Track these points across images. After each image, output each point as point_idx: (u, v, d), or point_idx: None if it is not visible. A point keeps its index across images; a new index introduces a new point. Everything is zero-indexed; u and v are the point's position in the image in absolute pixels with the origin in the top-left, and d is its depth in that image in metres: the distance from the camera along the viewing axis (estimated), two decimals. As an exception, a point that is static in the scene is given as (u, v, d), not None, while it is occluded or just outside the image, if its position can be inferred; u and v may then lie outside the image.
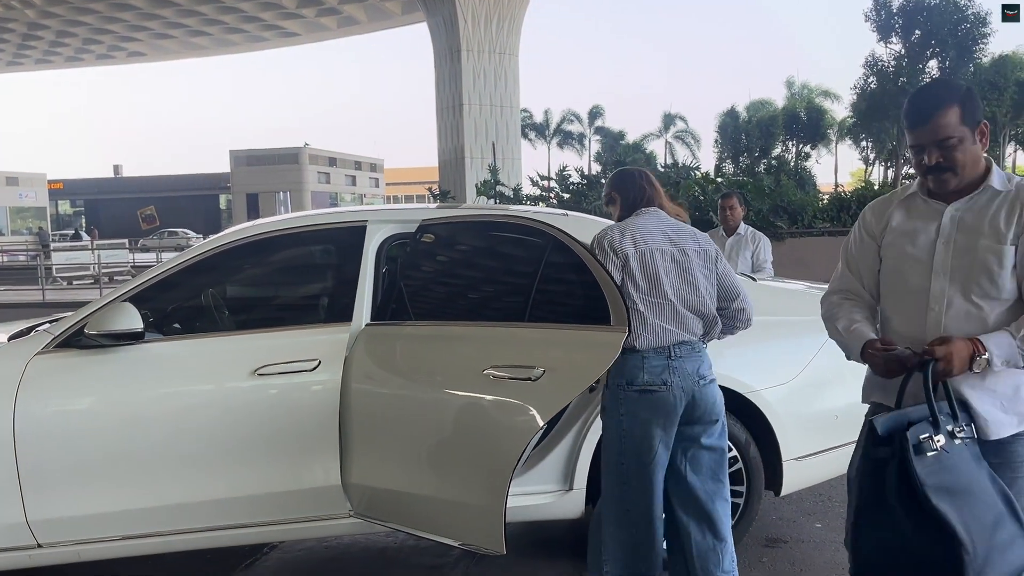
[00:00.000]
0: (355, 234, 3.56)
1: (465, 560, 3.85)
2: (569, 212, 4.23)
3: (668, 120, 57.04)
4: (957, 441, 2.00)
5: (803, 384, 3.66)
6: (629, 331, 2.69)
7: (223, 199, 63.21)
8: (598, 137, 59.48)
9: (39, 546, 3.16)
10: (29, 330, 3.62)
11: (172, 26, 47.93)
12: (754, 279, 4.34)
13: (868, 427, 2.05)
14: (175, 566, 3.85)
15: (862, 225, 2.36)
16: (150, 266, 6.79)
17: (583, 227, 3.39)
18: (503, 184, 16.62)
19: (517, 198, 16.24)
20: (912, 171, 2.50)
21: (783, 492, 3.71)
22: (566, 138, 59.69)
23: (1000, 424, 2.07)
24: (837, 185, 41.68)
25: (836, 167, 71.06)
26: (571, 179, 15.26)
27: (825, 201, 14.10)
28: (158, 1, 42.64)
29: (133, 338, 3.20)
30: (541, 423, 2.75)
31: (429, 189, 19.28)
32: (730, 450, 3.60)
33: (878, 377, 2.23)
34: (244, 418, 3.24)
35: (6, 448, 3.08)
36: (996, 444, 2.07)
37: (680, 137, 57.01)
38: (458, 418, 3.03)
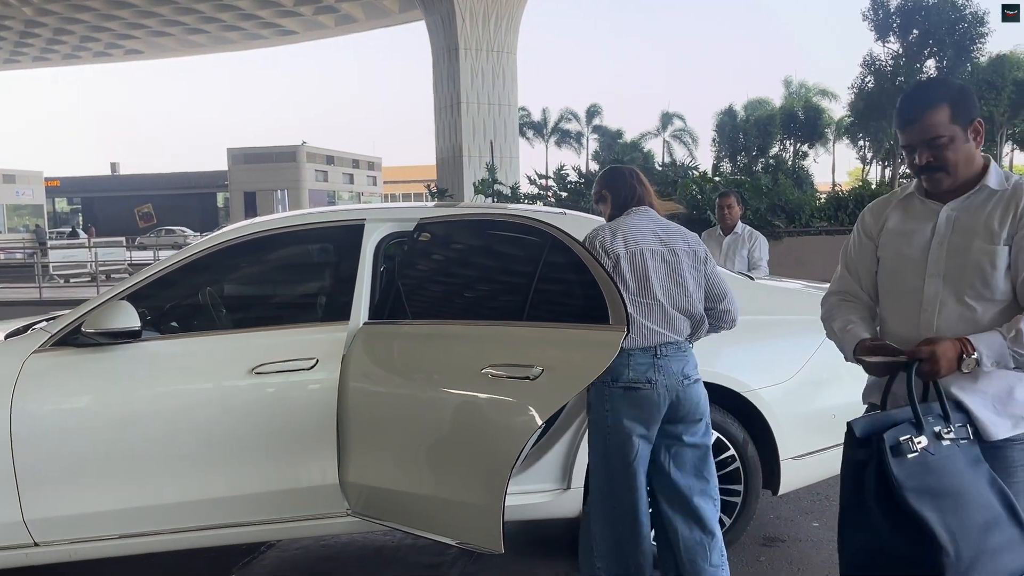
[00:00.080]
0: (353, 233, 3.55)
1: (463, 559, 3.85)
2: (567, 211, 4.23)
3: (666, 119, 57.04)
4: (945, 442, 1.97)
5: (801, 383, 3.67)
6: (628, 330, 2.69)
7: (220, 197, 63.12)
8: (596, 136, 59.47)
9: (36, 545, 3.16)
10: (26, 328, 3.61)
11: (169, 23, 47.84)
12: (752, 278, 4.34)
13: (847, 429, 2.05)
14: (172, 565, 3.84)
15: (860, 226, 2.35)
16: (147, 264, 6.78)
17: (581, 226, 3.39)
18: (501, 183, 16.61)
19: (515, 197, 16.23)
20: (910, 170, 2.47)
21: (780, 491, 3.71)
22: (564, 137, 59.67)
23: (996, 425, 2.05)
24: (835, 184, 41.71)
25: (834, 166, 71.33)
26: (569, 178, 15.26)
27: (822, 200, 14.11)
28: (156, -1, 42.60)
29: (130, 336, 3.20)
30: (539, 422, 2.75)
31: (427, 187, 19.26)
32: (728, 449, 3.62)
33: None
34: (241, 417, 3.24)
35: (3, 447, 3.08)
36: (990, 447, 2.05)
37: (678, 136, 57.02)
38: (456, 417, 3.03)
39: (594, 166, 39.30)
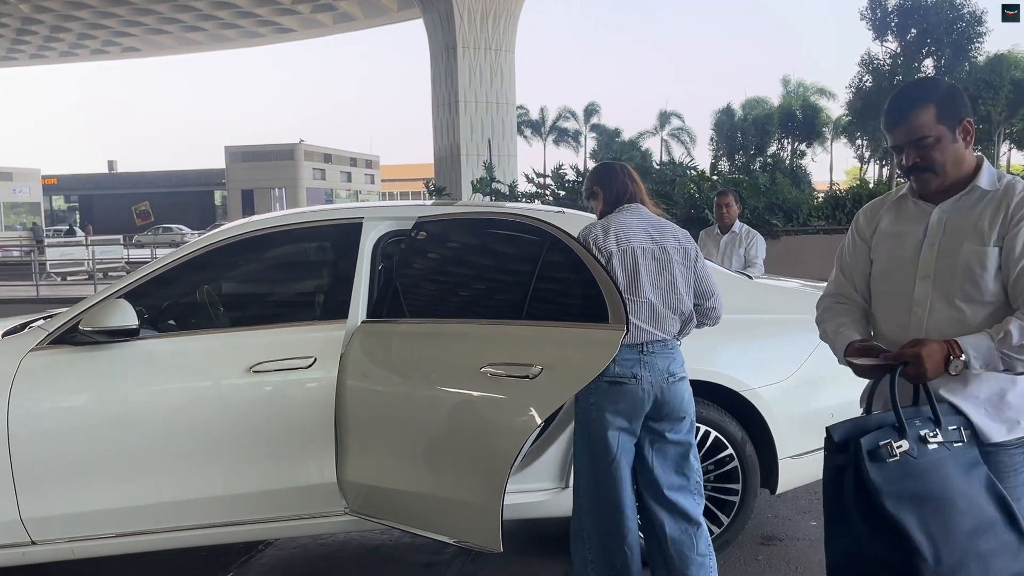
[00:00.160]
0: (351, 231, 3.55)
1: (460, 558, 3.85)
2: (565, 209, 4.23)
3: (664, 118, 57.10)
4: (932, 446, 1.94)
5: (799, 382, 3.67)
6: (627, 329, 2.69)
7: (218, 195, 63.07)
8: (594, 134, 59.50)
9: (33, 543, 3.15)
10: (23, 326, 3.60)
11: (167, 21, 47.77)
12: (750, 277, 4.35)
13: (826, 434, 2.04)
14: (170, 564, 3.84)
15: (855, 228, 2.34)
16: (144, 262, 6.77)
17: (579, 224, 3.38)
18: (499, 181, 16.61)
19: (513, 195, 16.23)
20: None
21: (778, 490, 3.71)
22: (562, 135, 59.69)
23: (990, 429, 2.03)
24: (832, 183, 41.79)
25: (831, 165, 71.30)
26: (567, 177, 15.26)
27: (820, 199, 14.14)
28: (153, -4, 42.55)
29: (128, 335, 3.19)
30: (539, 421, 2.75)
31: (426, 184, 19.26)
32: (726, 448, 3.63)
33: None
34: (239, 415, 3.23)
35: (0, 445, 3.07)
36: (987, 450, 2.03)
37: (676, 135, 57.08)
38: (455, 416, 3.02)
39: (592, 165, 39.25)
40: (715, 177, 14.19)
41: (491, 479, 2.79)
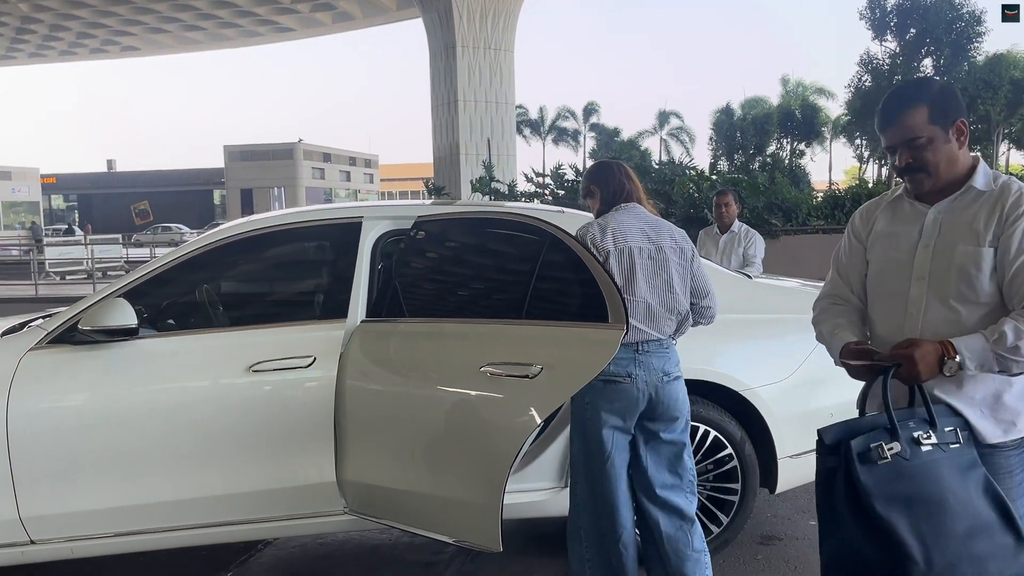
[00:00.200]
0: (351, 230, 3.55)
1: (460, 557, 3.85)
2: (565, 209, 4.22)
3: (663, 117, 57.13)
4: (926, 448, 1.93)
5: (798, 382, 3.67)
6: (627, 329, 2.69)
7: (217, 194, 63.04)
8: (593, 134, 59.51)
9: (32, 543, 3.15)
10: (22, 325, 3.60)
11: (166, 20, 47.76)
12: (750, 277, 4.34)
13: (818, 437, 2.04)
14: (169, 563, 3.84)
15: (851, 230, 2.34)
16: (143, 261, 6.77)
17: (579, 223, 3.38)
18: (498, 181, 16.60)
19: (512, 195, 16.23)
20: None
21: (778, 490, 3.72)
22: (561, 135, 59.70)
23: (987, 429, 2.02)
24: (831, 183, 41.81)
25: (830, 165, 71.31)
26: (566, 177, 15.25)
27: (819, 199, 14.13)
28: (152, -5, 42.54)
29: (127, 334, 3.19)
30: (538, 421, 2.75)
31: (426, 183, 19.26)
32: (725, 447, 3.63)
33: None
34: (239, 415, 3.23)
35: (-1, 444, 3.07)
36: (985, 452, 2.02)
37: (675, 134, 57.10)
38: (455, 415, 3.02)
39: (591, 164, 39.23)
40: (714, 177, 14.19)
41: (491, 479, 2.79)
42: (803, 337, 3.58)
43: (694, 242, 3.53)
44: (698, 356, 3.59)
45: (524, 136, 57.48)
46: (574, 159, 57.64)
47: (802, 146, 50.06)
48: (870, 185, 18.29)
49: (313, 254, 4.08)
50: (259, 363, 3.24)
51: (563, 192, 14.88)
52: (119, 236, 28.59)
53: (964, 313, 2.02)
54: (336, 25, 48.85)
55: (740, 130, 50.04)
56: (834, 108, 48.89)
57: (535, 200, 15.11)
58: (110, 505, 3.16)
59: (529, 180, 16.11)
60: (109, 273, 22.02)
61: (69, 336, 3.21)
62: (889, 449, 1.92)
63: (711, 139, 51.73)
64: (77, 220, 59.93)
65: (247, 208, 53.24)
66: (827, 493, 2.02)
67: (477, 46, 32.98)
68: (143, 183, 63.95)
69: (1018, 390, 2.04)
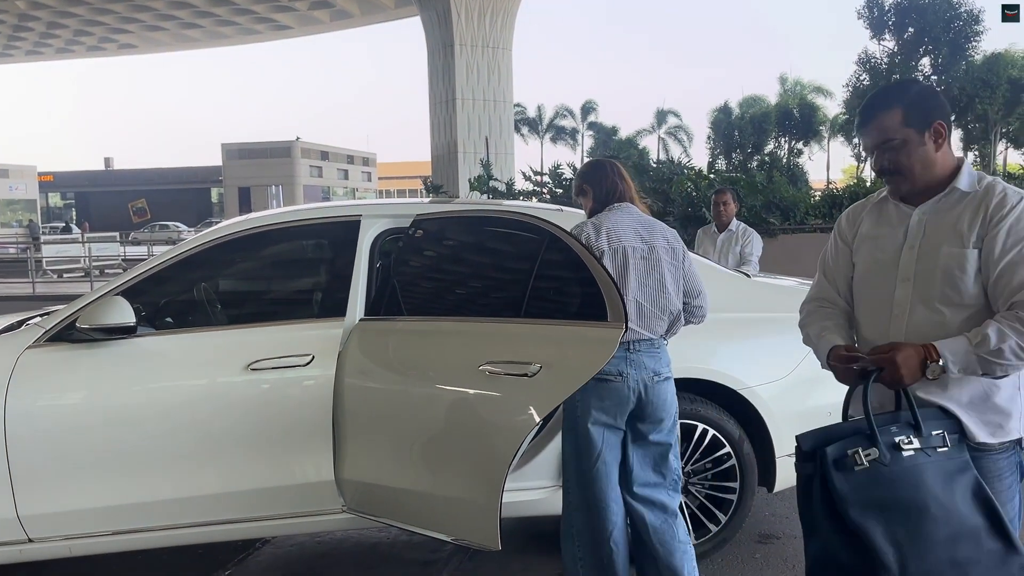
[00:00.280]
0: (349, 228, 3.54)
1: (458, 556, 3.85)
2: (564, 207, 4.22)
3: (661, 116, 57.13)
4: (907, 453, 1.92)
5: (796, 380, 3.67)
6: (626, 327, 2.69)
7: (215, 192, 62.97)
8: (591, 132, 59.50)
9: (30, 541, 3.14)
10: (20, 323, 3.59)
11: (164, 18, 47.66)
12: (748, 276, 4.35)
13: (796, 443, 2.04)
14: (168, 561, 3.84)
15: (837, 232, 2.33)
16: (141, 260, 6.75)
17: (576, 222, 3.39)
18: (497, 179, 16.58)
19: (510, 193, 16.21)
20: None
21: (776, 488, 3.72)
22: (559, 133, 59.70)
23: (977, 429, 2.01)
24: (829, 182, 41.80)
25: (828, 164, 71.07)
26: (564, 176, 15.24)
27: (817, 198, 14.11)
28: (150, -7, 42.47)
29: (125, 332, 3.18)
30: (537, 419, 2.75)
31: (424, 181, 19.24)
32: (723, 446, 3.63)
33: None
34: (237, 413, 3.22)
35: (-3, 442, 3.06)
36: (975, 454, 2.00)
37: (673, 133, 57.11)
38: (453, 414, 3.02)
39: (589, 163, 39.19)
40: (712, 175, 14.18)
41: (489, 477, 2.79)
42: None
43: (692, 240, 3.53)
44: (696, 355, 3.60)
45: (522, 135, 57.48)
46: (572, 158, 57.61)
47: (800, 145, 50.09)
48: (868, 184, 18.29)
49: (312, 252, 4.08)
50: (257, 361, 3.23)
51: (561, 191, 14.87)
52: (116, 234, 28.58)
53: (949, 315, 2.01)
54: (334, 23, 48.77)
55: (738, 129, 50.04)
56: (832, 107, 48.96)
57: (533, 199, 15.10)
58: (108, 503, 3.16)
59: (527, 178, 16.09)
60: (106, 271, 22.01)
61: (67, 334, 3.21)
62: (866, 455, 1.91)
63: (709, 138, 51.75)
64: (74, 218, 59.86)
65: (245, 206, 53.17)
66: (806, 499, 2.03)
67: (475, 44, 32.95)
68: (141, 181, 63.84)
69: (1008, 392, 2.02)
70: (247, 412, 3.23)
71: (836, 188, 15.93)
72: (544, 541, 3.95)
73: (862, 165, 49.41)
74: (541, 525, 3.83)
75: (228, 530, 3.29)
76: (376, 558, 3.95)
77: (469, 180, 18.07)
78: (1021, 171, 22.71)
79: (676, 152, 52.86)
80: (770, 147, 49.10)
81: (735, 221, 5.99)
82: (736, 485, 3.66)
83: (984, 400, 2.01)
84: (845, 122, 44.42)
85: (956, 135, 44.92)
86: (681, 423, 3.59)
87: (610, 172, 3.17)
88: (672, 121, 57.25)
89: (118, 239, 27.44)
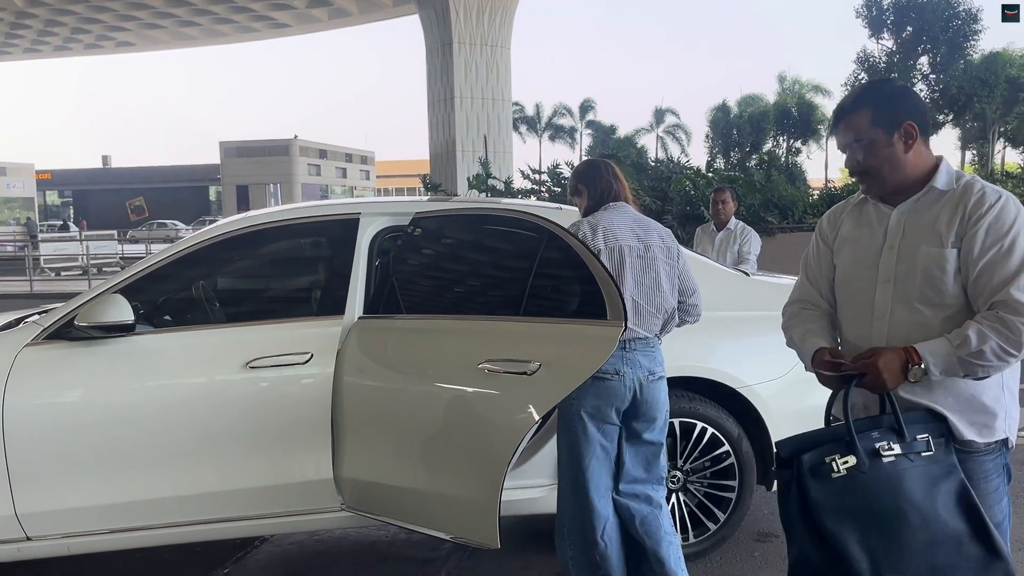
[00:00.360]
0: (348, 227, 3.54)
1: (457, 554, 3.85)
2: (563, 206, 4.22)
3: (659, 115, 57.12)
4: (888, 459, 1.92)
5: (795, 379, 3.65)
6: (625, 325, 2.69)
7: (213, 191, 62.94)
8: (589, 131, 59.47)
9: (28, 539, 3.14)
10: (18, 321, 3.59)
11: (161, 16, 47.59)
12: (747, 274, 4.35)
13: (775, 450, 2.05)
14: (166, 559, 3.84)
15: (818, 233, 2.33)
16: (139, 258, 6.74)
17: (573, 221, 3.39)
18: (495, 177, 16.57)
19: (509, 191, 16.21)
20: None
21: (774, 487, 3.71)
22: (557, 132, 59.66)
23: (964, 428, 2.00)
24: (827, 181, 41.77)
25: (826, 163, 71.08)
26: (563, 175, 15.24)
27: (815, 196, 14.12)
28: (147, -10, 42.41)
29: (124, 330, 3.17)
30: (537, 418, 2.75)
31: (423, 179, 19.23)
32: (722, 444, 3.63)
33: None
34: (236, 411, 3.22)
35: (-5, 440, 3.06)
36: (961, 455, 2.00)
37: (671, 132, 57.12)
38: (453, 412, 3.02)
39: (588, 161, 39.20)
40: (710, 174, 14.19)
41: (488, 475, 2.79)
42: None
43: (691, 239, 3.54)
44: (695, 353, 3.60)
45: (520, 133, 57.47)
46: (570, 156, 57.68)
47: (798, 144, 50.02)
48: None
49: (310, 250, 4.07)
50: (256, 359, 3.23)
51: (560, 190, 14.87)
52: (114, 232, 28.48)
53: (930, 315, 2.00)
54: (332, 21, 48.71)
55: (737, 128, 50.00)
56: (830, 106, 48.71)
57: (532, 197, 15.10)
58: (107, 501, 3.15)
59: (526, 177, 16.09)
60: (104, 269, 22.00)
61: (65, 332, 3.20)
62: (843, 463, 1.92)
63: (707, 136, 51.72)
64: (72, 216, 59.77)
65: (243, 204, 53.15)
66: (784, 505, 2.04)
67: (474, 43, 32.95)
68: (138, 179, 63.79)
69: (993, 392, 2.02)
70: (246, 410, 3.23)
71: (834, 187, 15.94)
72: (543, 539, 3.94)
73: (860, 164, 49.38)
74: (540, 523, 3.83)
75: (227, 528, 3.29)
76: (375, 556, 3.95)
77: (468, 178, 18.07)
78: (1019, 170, 22.69)
79: (675, 151, 52.93)
80: (768, 146, 49.08)
81: (733, 220, 5.99)
82: (735, 483, 3.66)
83: (970, 400, 2.01)
84: (843, 121, 44.30)
85: (954, 134, 44.97)
86: (680, 421, 3.60)
87: (604, 172, 3.19)
88: (670, 120, 57.28)
89: (116, 237, 27.36)
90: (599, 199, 3.15)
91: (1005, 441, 2.05)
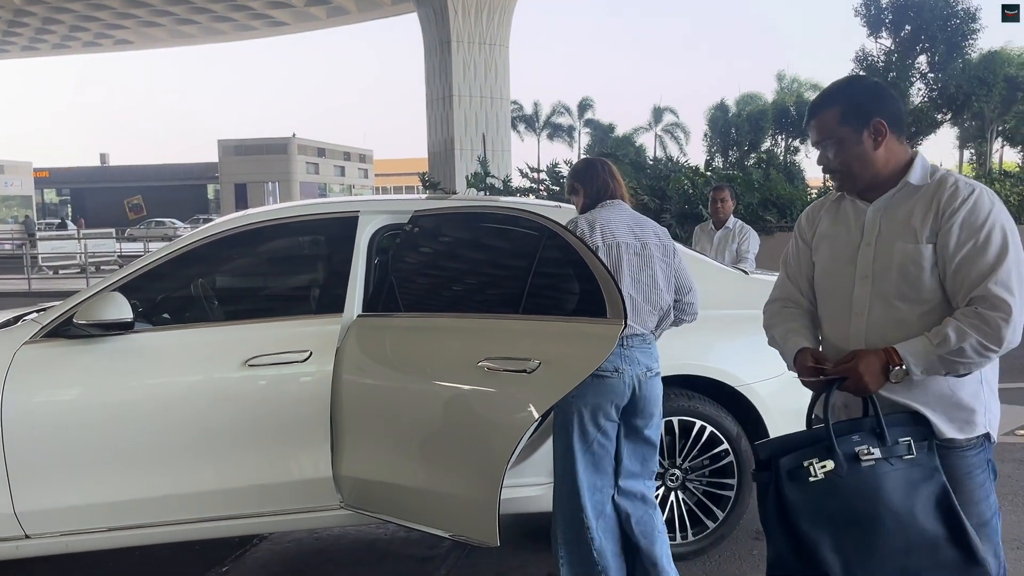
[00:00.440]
0: (347, 225, 3.53)
1: (456, 552, 3.85)
2: (562, 204, 4.22)
3: (658, 113, 57.11)
4: (867, 463, 1.92)
5: (794, 378, 3.65)
6: (625, 323, 2.69)
7: (211, 189, 62.90)
8: (588, 130, 59.45)
9: (27, 537, 3.13)
10: (16, 319, 3.58)
11: (160, 14, 47.51)
12: (746, 273, 4.35)
13: (754, 451, 2.05)
14: (165, 558, 3.83)
15: (797, 231, 2.32)
16: (137, 256, 6.73)
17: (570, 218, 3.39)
18: (493, 176, 16.58)
19: (507, 190, 16.21)
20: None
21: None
22: (556, 130, 59.66)
23: (944, 425, 2.00)
24: (825, 179, 41.80)
25: (825, 161, 71.06)
26: (561, 174, 15.25)
27: (814, 195, 14.15)
28: (146, -11, 42.36)
29: (122, 328, 3.17)
30: (536, 416, 2.75)
31: (422, 178, 19.24)
32: (721, 443, 3.63)
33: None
34: (235, 409, 3.22)
35: (-7, 438, 3.05)
36: (943, 453, 1.99)
37: (670, 130, 57.10)
38: (452, 410, 3.02)
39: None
40: (709, 173, 14.21)
41: (488, 473, 2.79)
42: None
43: (689, 238, 3.55)
44: (694, 351, 3.60)
45: (518, 132, 57.46)
46: (569, 155, 57.75)
47: (797, 142, 50.01)
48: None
49: (309, 248, 4.06)
50: (255, 357, 3.23)
51: (558, 188, 14.87)
52: (112, 230, 28.43)
53: (908, 312, 2.00)
54: (331, 20, 48.64)
55: (735, 126, 50.01)
56: (829, 105, 48.79)
57: (529, 195, 15.10)
58: (105, 500, 3.15)
59: (524, 175, 16.09)
60: (102, 267, 21.98)
61: (64, 330, 3.20)
62: (821, 467, 1.92)
63: (706, 135, 51.75)
64: (70, 214, 59.71)
65: (241, 203, 53.13)
66: (762, 507, 2.05)
67: (472, 41, 32.92)
68: (136, 177, 63.76)
69: (971, 388, 2.01)
70: (245, 408, 3.22)
71: (832, 186, 15.97)
72: (540, 537, 3.95)
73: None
74: (537, 521, 3.83)
75: (225, 526, 3.28)
76: (374, 554, 3.95)
77: (466, 177, 18.07)
78: (1018, 169, 22.70)
79: (673, 150, 52.94)
80: (767, 145, 49.09)
81: (732, 218, 5.99)
82: (734, 482, 3.66)
83: (949, 397, 2.00)
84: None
85: (952, 133, 44.99)
86: (679, 420, 3.60)
87: (601, 171, 3.20)
88: (669, 118, 57.27)
89: (114, 235, 27.33)
90: (596, 198, 3.17)
91: (987, 436, 2.05)
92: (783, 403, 3.64)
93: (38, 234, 30.27)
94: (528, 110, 58.72)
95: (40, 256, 22.17)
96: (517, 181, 17.17)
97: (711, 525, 3.67)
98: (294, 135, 57.61)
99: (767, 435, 3.62)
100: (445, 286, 3.49)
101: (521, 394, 2.78)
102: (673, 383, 3.51)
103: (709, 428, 3.61)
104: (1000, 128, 41.63)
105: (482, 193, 15.64)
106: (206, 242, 3.48)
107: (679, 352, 3.49)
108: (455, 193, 17.70)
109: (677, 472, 3.67)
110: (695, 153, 66.03)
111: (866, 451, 1.93)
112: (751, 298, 3.92)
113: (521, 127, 58.10)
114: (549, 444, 3.44)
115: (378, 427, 3.19)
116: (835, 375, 1.99)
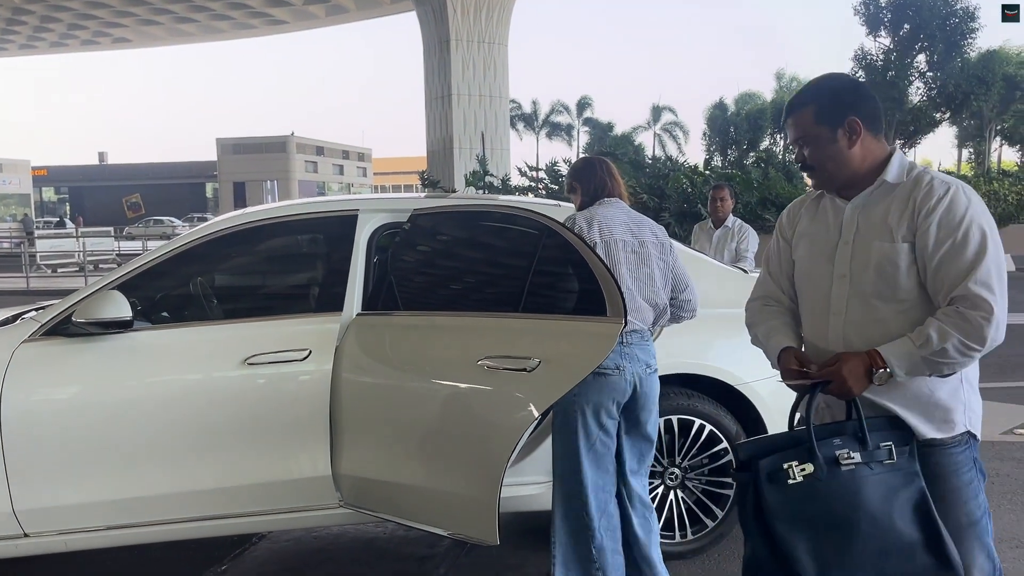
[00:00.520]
0: (347, 223, 3.53)
1: (455, 551, 3.85)
2: (561, 202, 4.22)
3: (657, 112, 57.12)
4: (847, 467, 1.92)
5: (793, 376, 3.67)
6: (625, 322, 2.69)
7: (209, 187, 62.87)
8: (587, 128, 59.49)
9: (26, 536, 3.13)
10: (15, 318, 3.58)
11: (159, 12, 47.49)
12: (746, 272, 4.34)
13: (734, 452, 2.06)
14: (163, 556, 3.83)
15: (778, 229, 2.32)
16: (135, 254, 6.73)
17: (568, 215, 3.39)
18: (492, 175, 16.59)
19: (506, 188, 16.22)
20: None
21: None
22: (555, 129, 59.69)
23: (922, 426, 2.00)
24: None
25: (824, 161, 71.03)
26: (560, 173, 15.26)
27: (813, 194, 14.14)
28: (144, -13, 42.31)
29: (121, 326, 3.17)
30: (536, 415, 2.75)
31: (421, 176, 19.26)
32: (720, 441, 3.63)
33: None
34: (234, 408, 3.21)
35: (-8, 437, 3.05)
36: (923, 454, 1.99)
37: (669, 129, 57.12)
38: (451, 409, 3.01)
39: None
40: (708, 172, 14.22)
41: (488, 472, 2.79)
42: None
43: (688, 236, 3.57)
44: (692, 350, 3.60)
45: (517, 130, 57.49)
46: (568, 153, 57.71)
47: (796, 142, 50.06)
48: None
49: (308, 247, 4.06)
50: (254, 356, 3.22)
51: (557, 187, 14.88)
52: (111, 229, 28.42)
53: (885, 311, 2.00)
54: (330, 18, 48.65)
55: (734, 125, 50.09)
56: (828, 104, 48.82)
57: (528, 194, 15.11)
58: (104, 498, 3.15)
59: (523, 174, 16.11)
60: (101, 266, 21.96)
61: (63, 328, 3.19)
62: (801, 470, 1.92)
63: (705, 134, 51.82)
64: (68, 213, 59.65)
65: (240, 201, 53.10)
66: (741, 507, 2.05)
67: (471, 40, 32.91)
68: (135, 176, 63.73)
69: (951, 386, 2.01)
70: (244, 407, 3.22)
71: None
72: (539, 536, 3.94)
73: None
74: (538, 520, 3.83)
75: (224, 525, 3.28)
76: (373, 553, 3.95)
77: (465, 175, 18.07)
78: (1016, 168, 22.72)
79: (672, 149, 52.96)
80: (766, 143, 49.11)
81: (731, 217, 5.99)
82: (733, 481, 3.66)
83: (928, 396, 2.00)
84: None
85: (951, 132, 45.01)
86: (678, 418, 3.60)
87: (599, 170, 3.22)
88: (668, 117, 57.31)
89: (112, 234, 27.31)
90: (594, 196, 3.18)
91: (972, 434, 2.04)
92: (782, 402, 3.62)
93: (36, 232, 30.22)
94: (527, 109, 58.78)
95: (38, 254, 22.17)
96: (516, 180, 17.20)
97: (710, 524, 3.67)
98: (293, 134, 57.60)
99: (767, 433, 3.63)
100: (444, 285, 3.48)
101: (521, 393, 2.78)
102: (672, 382, 3.51)
103: (708, 427, 3.61)
104: (999, 127, 41.67)
105: (481, 192, 15.64)
106: (205, 240, 3.48)
107: (678, 351, 3.50)
108: (454, 192, 17.68)
109: (676, 471, 3.67)
110: (694, 152, 66.12)
111: (846, 455, 1.93)
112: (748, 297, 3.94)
113: (520, 126, 58.14)
114: (547, 443, 3.44)
115: (377, 426, 3.19)
116: (819, 378, 1.99)
